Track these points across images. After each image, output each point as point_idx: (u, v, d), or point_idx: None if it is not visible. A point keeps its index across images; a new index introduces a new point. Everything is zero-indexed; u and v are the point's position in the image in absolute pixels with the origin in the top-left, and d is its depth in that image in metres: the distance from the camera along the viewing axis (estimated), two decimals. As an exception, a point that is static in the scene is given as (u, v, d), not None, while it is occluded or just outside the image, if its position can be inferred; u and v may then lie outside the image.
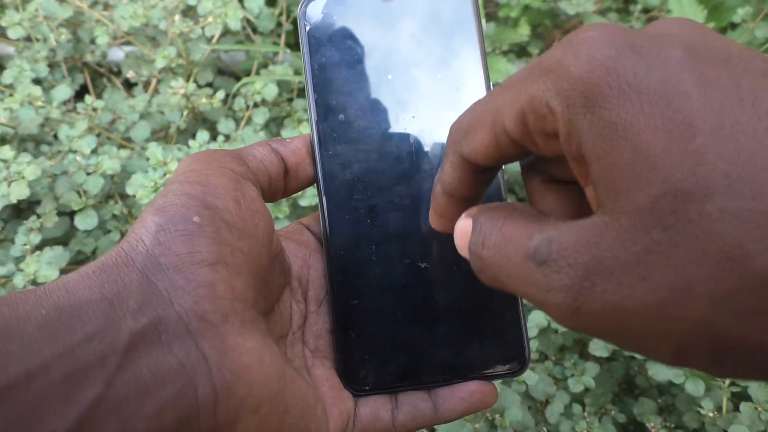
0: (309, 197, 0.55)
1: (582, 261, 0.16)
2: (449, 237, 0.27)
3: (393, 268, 0.28)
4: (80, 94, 0.73)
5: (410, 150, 0.28)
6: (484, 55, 0.28)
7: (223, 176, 0.23)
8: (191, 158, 0.24)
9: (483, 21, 0.28)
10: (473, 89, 0.28)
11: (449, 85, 0.28)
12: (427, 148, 0.28)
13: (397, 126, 0.28)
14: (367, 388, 0.27)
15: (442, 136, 0.28)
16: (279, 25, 0.75)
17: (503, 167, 0.28)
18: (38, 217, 0.55)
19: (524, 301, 0.28)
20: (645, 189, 0.15)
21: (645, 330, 0.15)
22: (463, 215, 0.22)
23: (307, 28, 0.28)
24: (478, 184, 0.22)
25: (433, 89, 0.28)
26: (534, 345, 0.51)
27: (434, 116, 0.28)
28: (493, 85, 0.28)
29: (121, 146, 0.64)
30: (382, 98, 0.28)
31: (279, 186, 0.27)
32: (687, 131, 0.14)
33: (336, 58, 0.28)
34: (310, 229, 0.29)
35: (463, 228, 0.21)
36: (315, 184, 0.28)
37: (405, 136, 0.28)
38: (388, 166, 0.28)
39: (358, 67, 0.28)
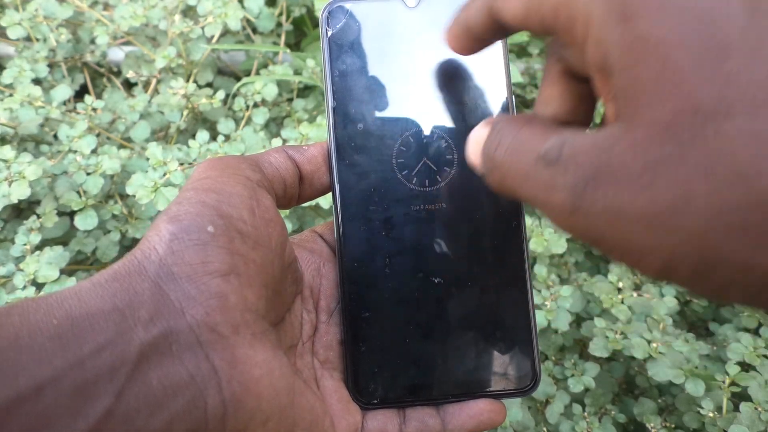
0: (309, 197, 0.55)
1: (590, 163, 0.16)
2: (464, 251, 0.27)
3: (406, 282, 0.27)
4: (80, 94, 0.73)
5: (429, 162, 0.28)
6: (508, 66, 0.28)
7: (238, 184, 0.23)
8: (206, 164, 0.24)
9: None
10: (496, 101, 0.28)
11: (472, 96, 0.28)
12: (446, 161, 0.27)
13: (417, 137, 0.27)
14: (376, 401, 0.27)
15: (463, 149, 0.27)
16: (279, 25, 0.75)
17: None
18: (38, 217, 0.55)
19: (536, 321, 0.28)
20: (666, 103, 0.15)
21: (638, 239, 0.15)
22: (481, 124, 0.22)
23: (329, 33, 0.28)
24: (498, 35, 0.22)
25: (455, 99, 0.28)
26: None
27: (456, 127, 0.28)
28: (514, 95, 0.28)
29: (121, 146, 0.64)
30: (403, 109, 0.28)
31: (293, 194, 0.27)
32: (722, 52, 0.14)
33: (357, 66, 0.28)
34: (324, 237, 0.29)
35: (479, 136, 0.21)
36: (330, 193, 0.28)
37: (425, 148, 0.27)
38: (406, 178, 0.27)
39: (380, 76, 0.28)
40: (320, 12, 0.28)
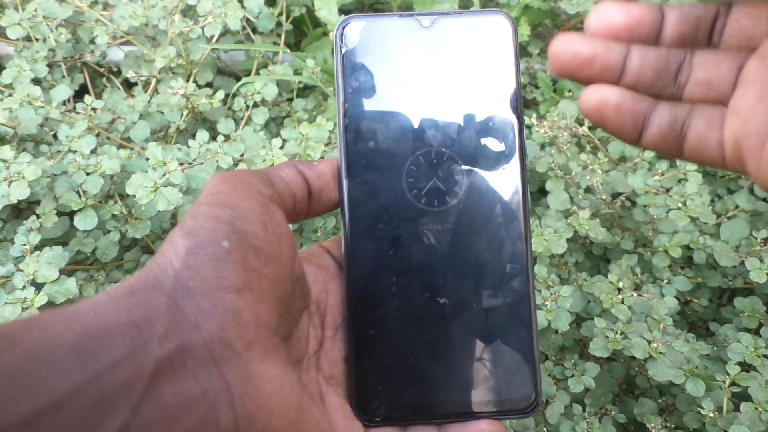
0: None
1: None
2: (470, 273, 0.27)
3: (412, 301, 0.27)
4: (80, 93, 0.73)
5: (439, 182, 0.28)
6: (519, 87, 0.28)
7: (251, 199, 0.23)
8: (219, 178, 0.24)
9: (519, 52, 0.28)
10: (506, 124, 0.28)
11: (483, 117, 0.28)
12: (456, 182, 0.28)
13: (427, 157, 0.28)
14: (378, 419, 0.27)
15: (473, 170, 0.28)
16: (279, 25, 0.75)
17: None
18: (38, 217, 0.55)
19: (538, 344, 0.28)
20: None
21: None
22: None
23: (343, 50, 0.28)
24: None
25: (466, 122, 0.28)
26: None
27: (466, 148, 0.28)
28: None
29: (120, 146, 0.64)
30: (415, 128, 0.28)
31: (302, 209, 0.27)
32: None
33: (370, 84, 0.28)
34: (331, 252, 0.29)
35: None
36: (339, 209, 0.28)
37: (435, 168, 0.28)
38: (415, 197, 0.27)
39: (393, 94, 0.28)
40: (335, 28, 0.28)
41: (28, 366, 0.17)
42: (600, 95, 0.23)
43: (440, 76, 0.28)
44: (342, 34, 0.28)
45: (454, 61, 0.28)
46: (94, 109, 0.64)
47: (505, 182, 0.28)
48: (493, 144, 0.28)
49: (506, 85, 0.28)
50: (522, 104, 0.28)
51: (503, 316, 0.27)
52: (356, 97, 0.28)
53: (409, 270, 0.27)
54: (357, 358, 0.27)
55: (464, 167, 0.28)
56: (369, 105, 0.28)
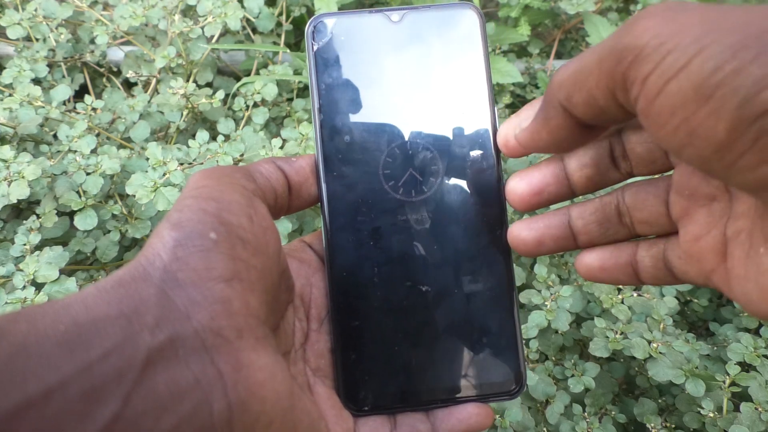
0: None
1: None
2: (450, 260, 0.28)
3: (394, 291, 0.28)
4: (80, 93, 0.73)
5: (415, 172, 0.28)
6: (490, 80, 0.28)
7: (236, 192, 0.23)
8: (202, 174, 0.24)
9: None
10: (478, 114, 0.28)
11: (455, 109, 0.28)
12: (432, 171, 0.28)
13: (402, 148, 0.28)
14: (366, 408, 0.27)
15: (448, 160, 0.28)
16: (279, 24, 0.75)
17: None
18: (38, 217, 0.55)
19: (521, 326, 0.29)
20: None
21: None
22: None
23: (315, 47, 0.28)
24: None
25: (439, 113, 0.28)
26: (534, 345, 0.51)
27: (440, 139, 0.28)
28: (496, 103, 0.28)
29: (120, 146, 0.64)
30: (389, 121, 0.28)
31: (283, 204, 0.27)
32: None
33: (343, 79, 0.28)
34: (313, 247, 0.29)
35: None
36: (318, 204, 0.28)
37: (410, 159, 0.28)
38: (392, 188, 0.28)
39: (366, 89, 0.28)
40: (306, 26, 0.28)
41: (17, 358, 0.17)
42: (586, 263, 0.27)
43: (411, 69, 0.28)
44: (313, 32, 0.28)
45: (425, 55, 0.28)
46: (94, 109, 0.64)
47: (480, 170, 0.28)
48: (466, 133, 0.28)
49: (477, 75, 0.28)
50: (493, 92, 0.29)
51: (484, 300, 0.28)
52: (330, 93, 0.28)
53: (390, 260, 0.28)
54: (342, 350, 0.27)
55: (439, 157, 0.28)
56: (342, 100, 0.28)
